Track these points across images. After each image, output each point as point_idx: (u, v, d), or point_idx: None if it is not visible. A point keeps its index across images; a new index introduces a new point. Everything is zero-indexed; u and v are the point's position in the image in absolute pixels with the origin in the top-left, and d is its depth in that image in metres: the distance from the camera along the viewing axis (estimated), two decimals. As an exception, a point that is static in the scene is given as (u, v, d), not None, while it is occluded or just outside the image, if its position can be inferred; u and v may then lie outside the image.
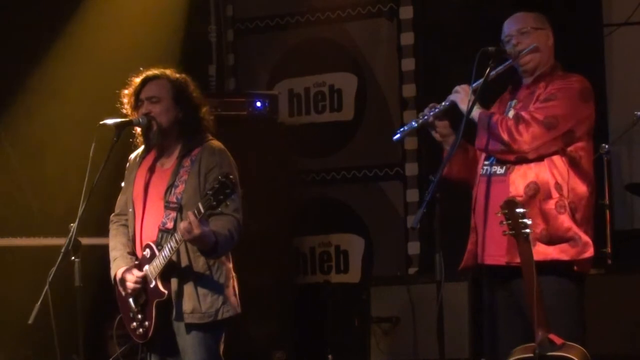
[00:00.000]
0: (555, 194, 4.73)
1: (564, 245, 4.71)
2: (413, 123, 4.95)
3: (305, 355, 7.55)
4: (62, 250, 4.78)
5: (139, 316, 4.95)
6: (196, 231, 4.66)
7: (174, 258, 4.85)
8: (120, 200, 5.17)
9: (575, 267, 4.75)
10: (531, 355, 4.50)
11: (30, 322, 4.72)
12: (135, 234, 5.04)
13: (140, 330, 4.95)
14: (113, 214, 5.20)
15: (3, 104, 7.02)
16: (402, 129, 4.99)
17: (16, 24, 7.22)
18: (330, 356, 7.30)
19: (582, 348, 4.54)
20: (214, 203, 4.66)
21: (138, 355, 5.10)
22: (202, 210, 4.67)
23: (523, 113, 4.76)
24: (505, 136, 4.73)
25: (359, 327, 7.32)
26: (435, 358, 5.08)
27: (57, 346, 5.09)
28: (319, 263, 8.23)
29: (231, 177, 4.65)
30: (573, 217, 4.74)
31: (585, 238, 4.74)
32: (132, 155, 5.17)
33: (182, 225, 4.68)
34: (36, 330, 4.86)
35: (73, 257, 4.79)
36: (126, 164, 5.22)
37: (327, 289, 7.80)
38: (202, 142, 5.01)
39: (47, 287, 4.73)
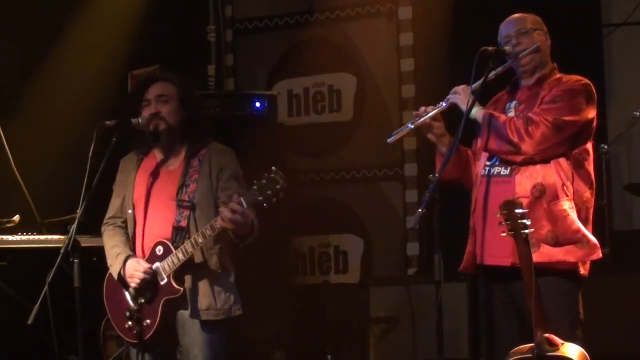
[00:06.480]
0: (563, 196, 4.72)
1: (571, 247, 4.71)
2: (409, 125, 4.94)
3: (304, 356, 7.54)
4: (62, 251, 4.79)
5: (138, 315, 4.94)
6: (241, 219, 4.71)
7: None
8: (115, 203, 5.17)
9: (581, 269, 4.75)
10: (530, 355, 4.50)
11: (30, 322, 4.71)
12: (136, 235, 5.05)
13: (138, 329, 4.94)
14: (108, 217, 5.18)
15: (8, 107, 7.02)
16: (397, 131, 4.99)
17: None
18: (329, 357, 7.30)
19: (581, 348, 4.54)
20: (260, 199, 4.66)
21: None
22: (245, 206, 4.69)
23: (532, 114, 4.74)
24: (514, 137, 4.71)
25: (358, 327, 7.32)
26: (434, 358, 5.08)
27: (56, 346, 5.09)
28: (318, 264, 8.22)
29: (281, 174, 4.66)
30: (580, 218, 4.74)
31: (594, 241, 4.75)
32: (126, 158, 5.17)
33: (225, 214, 4.70)
34: (35, 331, 4.87)
35: (72, 259, 4.79)
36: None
37: (327, 290, 7.80)
38: (207, 144, 5.07)
39: (46, 287, 4.74)
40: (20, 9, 7.19)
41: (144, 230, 5.02)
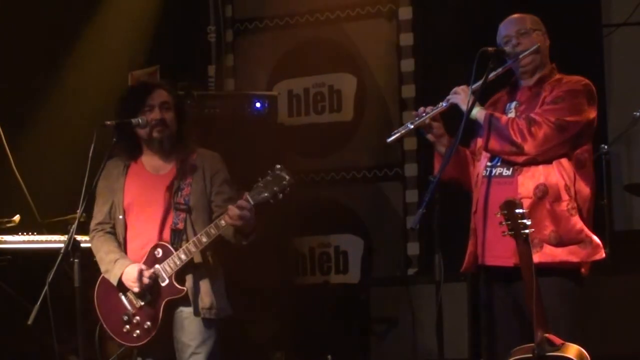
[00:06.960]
0: (565, 196, 4.72)
1: (574, 247, 4.71)
2: (409, 125, 4.94)
3: (304, 356, 7.54)
4: (62, 251, 4.78)
5: (137, 318, 4.95)
6: (249, 216, 4.79)
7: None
8: (102, 210, 5.15)
9: (582, 269, 4.75)
10: (530, 355, 4.50)
11: (29, 322, 4.71)
12: (128, 239, 5.07)
13: (137, 331, 4.95)
14: (95, 223, 5.16)
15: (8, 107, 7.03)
16: (396, 131, 4.98)
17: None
18: (329, 357, 7.30)
19: (581, 348, 4.53)
20: (266, 195, 4.74)
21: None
22: (252, 203, 4.76)
23: (534, 115, 4.73)
24: (517, 137, 4.70)
25: (358, 327, 7.32)
26: (434, 358, 5.08)
27: (56, 346, 5.09)
28: (318, 263, 8.22)
29: (287, 170, 4.72)
30: (581, 218, 4.74)
31: (597, 240, 4.75)
32: (109, 164, 5.12)
33: (234, 211, 4.78)
34: (35, 331, 4.86)
35: (72, 259, 4.79)
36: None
37: (327, 290, 7.79)
38: (195, 149, 5.14)
39: (46, 287, 4.74)
40: (21, 13, 7.20)
41: (138, 234, 5.04)
